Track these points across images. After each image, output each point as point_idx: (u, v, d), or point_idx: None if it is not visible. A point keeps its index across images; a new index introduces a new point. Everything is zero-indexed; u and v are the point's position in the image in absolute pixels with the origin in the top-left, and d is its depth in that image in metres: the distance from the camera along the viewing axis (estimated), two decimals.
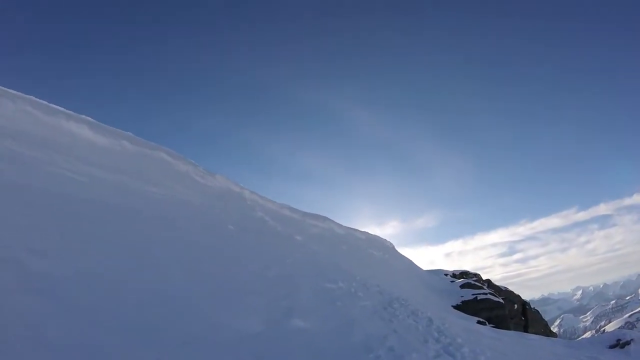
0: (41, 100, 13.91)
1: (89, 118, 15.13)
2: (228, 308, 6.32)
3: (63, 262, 5.23)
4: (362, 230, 29.23)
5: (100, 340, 4.09)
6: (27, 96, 13.49)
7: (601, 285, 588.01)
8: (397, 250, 31.50)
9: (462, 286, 24.36)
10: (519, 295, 28.17)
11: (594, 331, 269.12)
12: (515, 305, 25.60)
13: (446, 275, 29.22)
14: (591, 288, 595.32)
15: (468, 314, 20.03)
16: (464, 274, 30.11)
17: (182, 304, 5.76)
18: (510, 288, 28.91)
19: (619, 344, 15.58)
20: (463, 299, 22.01)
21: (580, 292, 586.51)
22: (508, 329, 18.64)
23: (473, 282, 25.16)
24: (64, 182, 8.49)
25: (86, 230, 6.72)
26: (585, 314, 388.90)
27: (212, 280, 7.13)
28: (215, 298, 6.47)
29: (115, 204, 8.80)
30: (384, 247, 28.53)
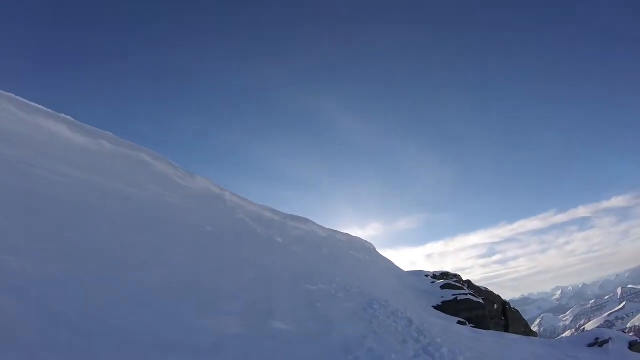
0: (20, 98, 13.71)
1: (69, 117, 14.92)
2: (206, 311, 6.26)
3: (39, 263, 5.14)
4: (344, 232, 29.28)
5: (73, 343, 4.01)
6: (7, 94, 13.29)
7: (580, 286, 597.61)
8: (378, 252, 31.60)
9: (443, 287, 24.50)
10: (499, 296, 28.43)
11: (573, 330, 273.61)
12: (496, 306, 25.84)
13: (427, 276, 29.37)
14: (570, 288, 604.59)
15: (448, 314, 20.15)
16: (444, 274, 30.30)
17: (159, 307, 5.68)
18: (491, 289, 29.20)
19: (598, 342, 15.79)
20: (443, 299, 22.14)
21: (559, 292, 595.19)
22: (488, 329, 18.78)
23: (453, 283, 25.33)
24: (41, 181, 8.35)
25: (63, 231, 6.60)
26: (565, 313, 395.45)
27: (190, 282, 7.06)
28: (193, 301, 6.41)
29: (92, 204, 8.67)
30: (365, 249, 28.60)
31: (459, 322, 17.52)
